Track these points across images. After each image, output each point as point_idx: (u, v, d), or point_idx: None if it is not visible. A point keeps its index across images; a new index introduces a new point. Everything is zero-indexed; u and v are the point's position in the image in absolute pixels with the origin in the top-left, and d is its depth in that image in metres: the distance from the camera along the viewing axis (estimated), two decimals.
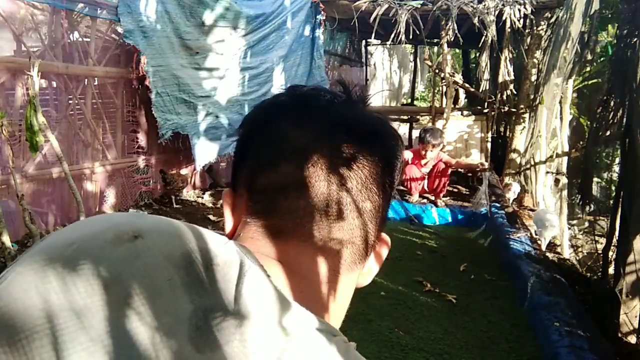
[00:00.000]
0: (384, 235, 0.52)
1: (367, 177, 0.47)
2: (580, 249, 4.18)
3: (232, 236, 0.48)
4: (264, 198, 0.46)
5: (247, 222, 0.47)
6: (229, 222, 0.49)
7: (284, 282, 0.43)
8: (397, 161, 0.51)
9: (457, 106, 7.54)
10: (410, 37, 5.60)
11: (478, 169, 4.91)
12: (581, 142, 4.58)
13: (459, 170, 5.28)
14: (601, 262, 2.97)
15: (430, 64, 6.97)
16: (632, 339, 2.49)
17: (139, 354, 0.34)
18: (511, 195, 4.88)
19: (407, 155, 4.96)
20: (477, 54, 7.05)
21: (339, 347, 0.40)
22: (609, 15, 5.15)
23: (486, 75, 5.95)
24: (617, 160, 4.16)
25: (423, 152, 4.88)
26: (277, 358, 0.37)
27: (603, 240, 3.14)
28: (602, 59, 5.31)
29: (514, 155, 5.54)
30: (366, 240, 0.48)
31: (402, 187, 5.24)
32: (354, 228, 0.47)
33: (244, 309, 0.37)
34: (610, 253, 2.83)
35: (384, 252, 0.53)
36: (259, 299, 0.39)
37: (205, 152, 4.30)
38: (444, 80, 6.36)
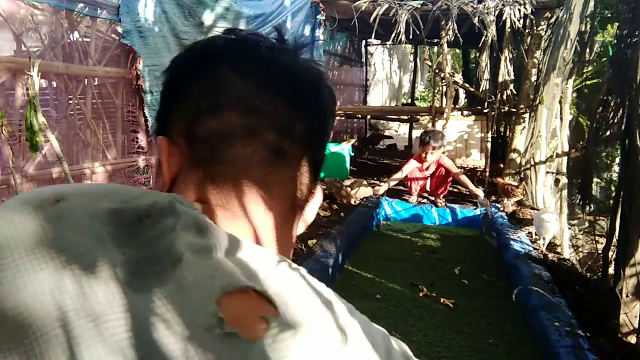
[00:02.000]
0: (319, 186, 0.54)
1: (308, 127, 0.48)
2: (580, 249, 4.18)
3: (170, 186, 0.47)
4: (206, 146, 0.45)
5: (188, 171, 0.46)
6: (167, 172, 0.48)
7: (229, 226, 0.43)
8: (332, 113, 0.53)
9: (457, 106, 7.54)
10: (410, 37, 5.60)
11: (475, 198, 4.91)
12: (581, 142, 4.57)
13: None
14: (601, 262, 2.97)
15: (430, 64, 6.96)
16: (632, 339, 2.49)
17: (71, 298, 0.34)
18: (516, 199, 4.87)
19: (413, 163, 4.96)
20: (477, 54, 7.05)
21: (301, 273, 0.41)
22: (609, 15, 5.15)
23: (486, 75, 5.95)
24: (617, 160, 4.16)
25: (424, 155, 4.87)
26: (220, 288, 0.35)
27: (603, 240, 3.13)
28: (603, 59, 5.31)
29: (514, 155, 5.54)
30: (307, 185, 0.50)
31: (402, 187, 5.24)
32: (297, 175, 0.48)
33: (178, 253, 0.36)
34: (610, 253, 2.83)
35: (318, 199, 0.54)
36: (197, 244, 0.38)
37: None
38: (444, 80, 6.36)
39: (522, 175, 5.21)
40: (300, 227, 0.53)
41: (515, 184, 4.96)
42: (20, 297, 0.34)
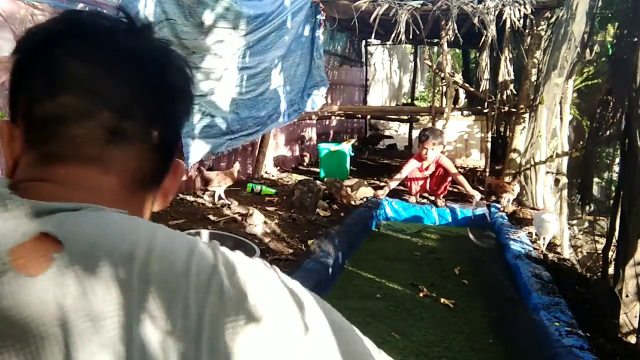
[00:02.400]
0: (179, 161, 0.56)
1: (150, 106, 0.50)
2: (580, 249, 4.18)
3: (13, 167, 0.49)
4: (43, 128, 0.47)
5: (26, 152, 0.48)
6: (8, 156, 0.50)
7: (63, 201, 0.45)
8: (183, 92, 0.54)
9: (457, 106, 7.54)
10: (410, 37, 5.59)
11: (469, 198, 4.96)
12: (581, 142, 4.57)
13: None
14: (601, 262, 2.97)
15: (430, 64, 6.96)
16: (632, 339, 2.49)
17: None
18: (510, 195, 4.88)
19: (413, 163, 4.98)
20: (477, 54, 7.04)
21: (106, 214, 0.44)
22: (609, 15, 5.15)
23: (486, 75, 5.94)
24: (617, 160, 4.15)
25: (423, 152, 4.87)
26: (13, 240, 0.38)
27: (603, 240, 3.13)
28: (603, 59, 5.30)
29: (514, 155, 5.53)
30: (154, 163, 0.51)
31: (402, 187, 5.24)
32: (138, 152, 0.49)
33: None
34: (610, 253, 2.83)
35: (178, 175, 0.56)
36: None
37: (198, 150, 4.31)
38: (444, 80, 6.36)
39: (515, 171, 5.23)
40: (161, 202, 0.55)
41: (508, 180, 5.01)
42: (21, 297, 0.36)
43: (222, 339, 0.39)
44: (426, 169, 5.01)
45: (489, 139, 6.07)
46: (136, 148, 0.49)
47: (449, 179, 4.98)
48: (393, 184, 5.06)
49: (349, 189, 5.04)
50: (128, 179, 0.49)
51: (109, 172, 0.48)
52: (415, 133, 7.25)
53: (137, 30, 0.51)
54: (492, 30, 5.33)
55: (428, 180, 5.13)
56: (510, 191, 4.85)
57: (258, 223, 3.72)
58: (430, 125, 6.14)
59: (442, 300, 2.98)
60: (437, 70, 6.70)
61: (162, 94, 0.51)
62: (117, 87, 0.48)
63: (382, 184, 5.75)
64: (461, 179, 4.97)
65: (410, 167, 4.97)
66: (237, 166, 4.60)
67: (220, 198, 4.40)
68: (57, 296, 0.37)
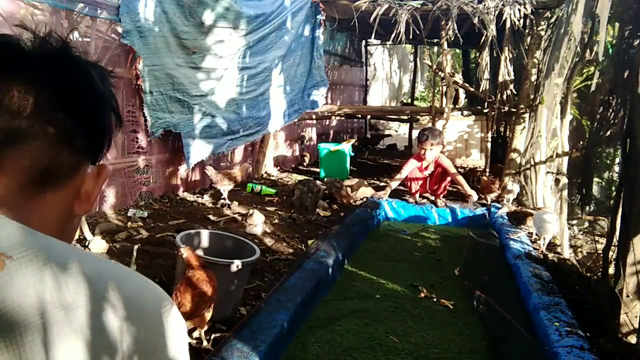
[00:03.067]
0: (105, 164, 0.58)
1: (47, 104, 0.50)
2: (580, 249, 4.18)
3: None
4: None
5: None
6: None
7: None
8: (86, 87, 0.54)
9: (457, 106, 7.54)
10: (410, 37, 5.59)
11: (467, 197, 5.01)
12: (581, 142, 4.57)
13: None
14: (601, 262, 2.97)
15: (430, 64, 6.96)
16: (632, 339, 2.49)
17: None
18: (510, 195, 4.88)
19: (413, 163, 5.00)
20: (477, 54, 7.04)
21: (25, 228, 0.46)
22: (609, 15, 5.14)
23: (486, 75, 5.95)
24: (617, 160, 4.15)
25: (422, 152, 4.89)
26: None
27: (603, 240, 3.13)
28: (603, 59, 5.29)
29: (514, 155, 5.53)
30: (52, 160, 0.51)
31: (402, 187, 5.24)
32: (34, 150, 0.49)
33: None
34: (611, 253, 2.83)
35: (102, 178, 0.57)
36: None
37: (198, 150, 4.31)
38: (444, 80, 6.36)
39: (515, 171, 5.24)
40: (83, 206, 0.56)
41: (493, 179, 5.15)
42: (8, 293, 0.41)
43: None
44: (425, 168, 5.02)
45: (489, 139, 6.07)
46: (32, 146, 0.49)
47: (448, 178, 4.99)
48: (394, 184, 5.06)
49: (349, 189, 5.04)
50: (23, 178, 0.49)
51: (4, 172, 0.49)
52: (415, 133, 7.25)
53: (37, 38, 0.52)
54: (492, 30, 5.33)
55: (427, 180, 5.14)
56: (496, 191, 4.96)
57: (258, 223, 3.72)
58: (430, 125, 6.14)
59: (442, 301, 2.98)
60: (437, 70, 6.70)
61: (60, 90, 0.51)
62: (8, 87, 0.49)
63: (382, 184, 5.75)
64: (460, 178, 5.00)
65: (410, 167, 4.99)
66: (246, 166, 4.61)
67: (223, 198, 4.40)
68: (37, 289, 0.41)
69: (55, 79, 0.51)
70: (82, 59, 0.55)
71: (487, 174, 5.73)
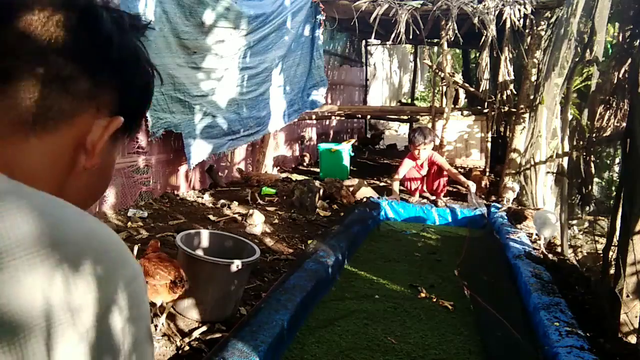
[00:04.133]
0: (118, 118, 0.53)
1: (35, 42, 0.47)
2: (580, 249, 4.18)
3: None
4: None
5: None
6: None
7: None
8: (90, 27, 0.50)
9: (457, 106, 7.54)
10: (410, 37, 5.60)
11: (464, 188, 5.11)
12: (581, 142, 4.57)
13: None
14: (601, 262, 2.97)
15: (430, 64, 6.96)
16: (632, 339, 2.49)
17: None
18: (511, 195, 4.88)
19: (408, 163, 5.08)
20: (477, 54, 7.04)
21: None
22: (609, 15, 5.14)
23: (486, 75, 5.95)
24: (617, 160, 4.15)
25: (416, 153, 4.98)
26: None
27: (603, 240, 3.13)
28: (603, 59, 5.29)
29: (514, 155, 5.53)
30: (39, 100, 0.48)
31: (402, 187, 5.25)
32: (18, 90, 0.47)
33: None
34: (611, 253, 2.82)
35: (109, 129, 0.53)
36: None
37: (199, 150, 4.31)
38: (444, 80, 6.36)
39: (515, 171, 5.25)
40: (88, 158, 0.52)
41: (483, 176, 5.34)
42: (14, 294, 0.38)
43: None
44: (421, 166, 5.11)
45: (489, 139, 6.07)
46: (17, 86, 0.47)
47: (445, 174, 5.07)
48: (396, 186, 5.12)
49: (349, 189, 5.04)
50: (4, 119, 0.47)
51: None
52: None
53: None
54: (492, 30, 5.33)
55: (424, 179, 5.20)
56: (483, 187, 5.14)
57: (258, 223, 3.72)
58: (429, 125, 6.15)
59: (441, 301, 2.97)
60: (437, 70, 6.70)
61: (50, 31, 0.48)
62: None
63: (382, 184, 5.76)
64: (454, 172, 5.14)
65: (406, 167, 5.08)
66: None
67: (224, 204, 4.40)
68: (44, 291, 0.39)
69: (52, 13, 0.48)
70: None
71: (487, 174, 5.73)
